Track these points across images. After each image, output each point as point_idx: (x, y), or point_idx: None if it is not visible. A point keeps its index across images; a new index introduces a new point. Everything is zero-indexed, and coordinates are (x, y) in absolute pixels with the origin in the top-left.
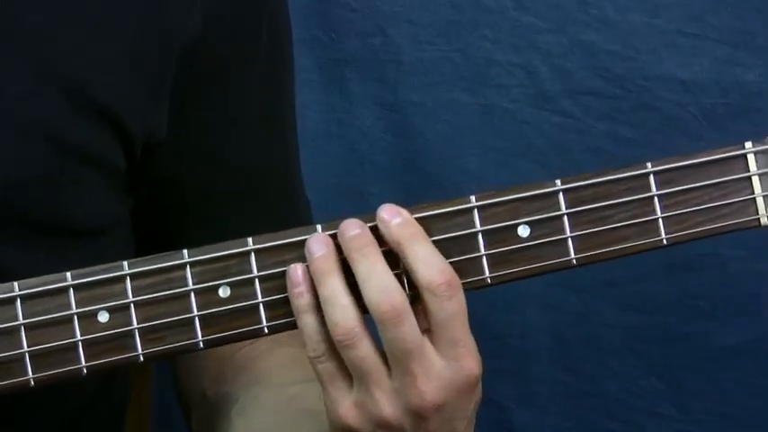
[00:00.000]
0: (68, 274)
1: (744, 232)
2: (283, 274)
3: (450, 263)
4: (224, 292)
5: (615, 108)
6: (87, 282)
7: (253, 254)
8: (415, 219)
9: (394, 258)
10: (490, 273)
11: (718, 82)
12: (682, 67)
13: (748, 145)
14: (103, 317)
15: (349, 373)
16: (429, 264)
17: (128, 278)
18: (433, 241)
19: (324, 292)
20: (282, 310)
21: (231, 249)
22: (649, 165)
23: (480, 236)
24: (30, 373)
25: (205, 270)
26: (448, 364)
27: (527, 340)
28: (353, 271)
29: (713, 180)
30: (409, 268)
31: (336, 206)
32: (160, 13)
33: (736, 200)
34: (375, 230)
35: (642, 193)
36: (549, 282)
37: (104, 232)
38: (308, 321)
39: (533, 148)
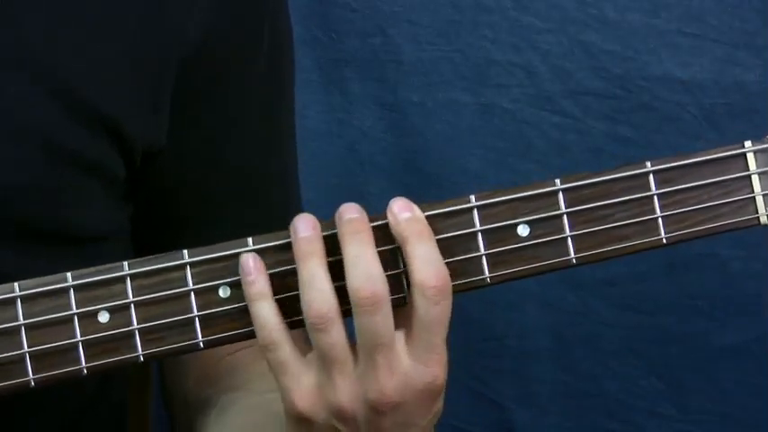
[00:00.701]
0: (69, 274)
1: (743, 232)
2: (284, 273)
3: (450, 262)
4: (224, 293)
5: (615, 108)
6: (87, 282)
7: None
8: None
9: (393, 258)
10: (490, 272)
11: (718, 82)
12: (682, 67)
13: (748, 144)
14: (104, 317)
15: (301, 362)
16: (428, 264)
17: (128, 278)
18: None
19: (304, 273)
20: (283, 310)
21: (231, 249)
22: (649, 164)
23: (480, 235)
24: (30, 373)
25: (205, 270)
26: (415, 366)
27: (527, 340)
28: (342, 252)
29: (713, 179)
30: (408, 263)
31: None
32: (160, 18)
33: (736, 199)
34: (378, 231)
35: (642, 193)
36: (548, 281)
37: (104, 239)
38: (259, 310)
39: (533, 148)
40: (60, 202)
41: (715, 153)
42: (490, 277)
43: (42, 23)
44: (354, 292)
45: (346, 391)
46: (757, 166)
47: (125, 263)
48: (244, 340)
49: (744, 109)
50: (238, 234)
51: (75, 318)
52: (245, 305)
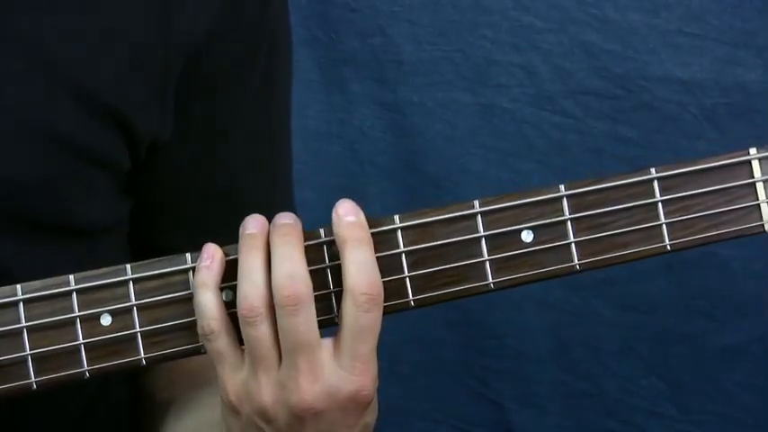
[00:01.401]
0: (71, 277)
1: None
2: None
3: (453, 268)
4: (226, 297)
5: (615, 108)
6: (90, 285)
7: None
8: (419, 224)
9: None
10: (493, 278)
11: (718, 82)
12: (682, 67)
13: (753, 151)
14: (106, 320)
15: (238, 354)
16: (361, 271)
17: (130, 282)
18: (437, 246)
19: (242, 264)
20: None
21: (233, 255)
22: (653, 170)
23: (483, 241)
24: (32, 376)
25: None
26: (339, 373)
27: (527, 340)
28: (272, 254)
29: (717, 186)
30: (343, 269)
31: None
32: (166, 16)
33: (741, 206)
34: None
35: (646, 199)
36: (549, 282)
37: (107, 232)
38: (202, 297)
39: (533, 147)
40: (63, 194)
41: (720, 160)
42: (493, 283)
43: (48, 17)
44: (277, 291)
45: (269, 393)
46: (762, 174)
47: (128, 266)
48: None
49: (744, 109)
50: (232, 233)
51: (78, 320)
52: None
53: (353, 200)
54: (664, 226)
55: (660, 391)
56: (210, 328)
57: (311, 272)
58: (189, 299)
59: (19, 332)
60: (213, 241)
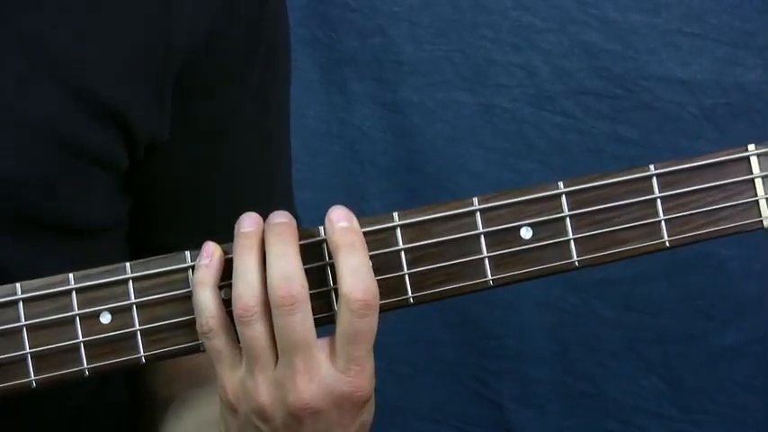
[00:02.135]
0: (71, 275)
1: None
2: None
3: (452, 265)
4: (226, 295)
5: (615, 108)
6: (90, 284)
7: None
8: (418, 221)
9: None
10: (492, 275)
11: (718, 82)
12: (682, 67)
13: (751, 147)
14: (106, 318)
15: (236, 353)
16: (356, 277)
17: (130, 280)
18: (436, 243)
19: (237, 264)
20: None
21: (233, 252)
22: (652, 167)
23: (482, 238)
24: (32, 374)
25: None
26: (335, 375)
27: (527, 340)
28: (267, 253)
29: (716, 182)
30: (337, 274)
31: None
32: (165, 16)
33: (739, 202)
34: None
35: (645, 196)
36: (548, 282)
37: (106, 231)
38: (200, 296)
39: (533, 147)
40: (62, 193)
41: (718, 156)
42: (493, 280)
43: (48, 15)
44: (272, 291)
45: (266, 392)
46: (761, 170)
47: (127, 264)
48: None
49: (744, 109)
50: (230, 232)
51: (77, 319)
52: None
53: (353, 200)
54: (663, 222)
55: (660, 391)
56: (209, 327)
57: (310, 270)
58: (188, 297)
59: (18, 330)
60: (212, 240)
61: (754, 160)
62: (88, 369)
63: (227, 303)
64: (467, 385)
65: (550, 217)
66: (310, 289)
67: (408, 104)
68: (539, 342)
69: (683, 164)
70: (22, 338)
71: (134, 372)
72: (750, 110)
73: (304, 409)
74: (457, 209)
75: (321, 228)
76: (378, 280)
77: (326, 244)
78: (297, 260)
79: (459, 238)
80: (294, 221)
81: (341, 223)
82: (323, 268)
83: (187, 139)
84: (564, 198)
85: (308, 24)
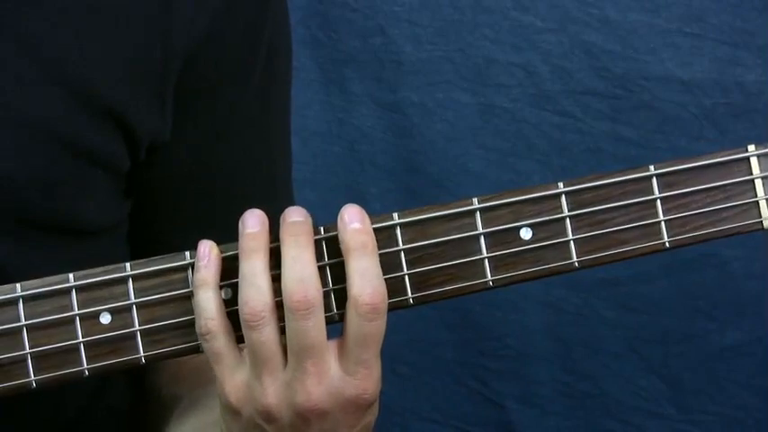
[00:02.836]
0: (71, 275)
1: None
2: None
3: (452, 265)
4: (226, 295)
5: (615, 108)
6: (89, 283)
7: None
8: (418, 221)
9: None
10: (492, 275)
11: (718, 82)
12: (682, 67)
13: (751, 148)
14: (105, 318)
15: (236, 354)
16: (365, 280)
17: (130, 280)
18: (435, 243)
19: (244, 268)
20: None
21: (232, 251)
22: (652, 167)
23: (482, 238)
24: (32, 374)
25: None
26: (344, 377)
27: (527, 340)
28: (282, 254)
29: (716, 183)
30: (347, 276)
31: (336, 206)
32: (166, 17)
33: (739, 203)
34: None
35: (645, 196)
36: (549, 282)
37: (106, 232)
38: (200, 297)
39: (533, 147)
40: (62, 193)
41: (718, 157)
42: (492, 280)
43: (49, 15)
44: (288, 295)
45: (273, 393)
46: (761, 171)
47: (127, 264)
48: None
49: (744, 109)
50: (233, 232)
51: (77, 319)
52: None
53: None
54: (662, 223)
55: (660, 391)
56: (208, 328)
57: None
58: (188, 297)
59: (18, 330)
60: (214, 240)
61: (754, 161)
62: (88, 369)
63: (227, 303)
64: (467, 385)
65: (550, 217)
66: None
67: (408, 104)
68: (539, 342)
69: (683, 164)
70: (22, 338)
71: (138, 372)
72: (750, 110)
73: (312, 410)
74: (457, 209)
75: (321, 228)
76: None
77: (325, 243)
78: (313, 263)
79: (459, 238)
80: (310, 219)
81: (354, 224)
82: (322, 268)
83: (188, 139)
84: (564, 198)
85: (308, 24)
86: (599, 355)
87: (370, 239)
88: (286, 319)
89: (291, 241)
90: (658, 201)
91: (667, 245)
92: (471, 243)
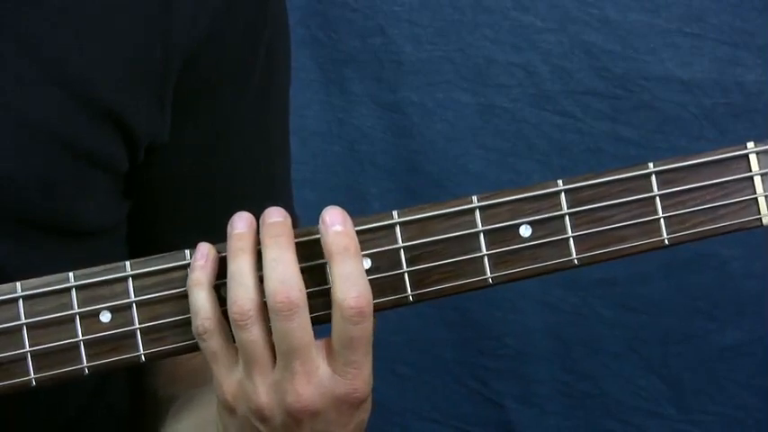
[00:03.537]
0: (71, 274)
1: (744, 232)
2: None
3: (451, 263)
4: (224, 292)
5: (615, 108)
6: (89, 282)
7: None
8: (418, 219)
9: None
10: (492, 273)
11: (718, 82)
12: (682, 67)
13: (750, 145)
14: (105, 317)
15: (232, 354)
16: (349, 284)
17: (130, 278)
18: (435, 241)
19: (232, 267)
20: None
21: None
22: (651, 165)
23: (482, 236)
24: (31, 373)
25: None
26: (333, 377)
27: (527, 340)
28: (263, 256)
29: (715, 180)
30: (331, 280)
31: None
32: (165, 17)
33: (738, 200)
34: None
35: (644, 194)
36: (549, 282)
37: (105, 232)
38: (196, 297)
39: (533, 147)
40: (61, 194)
41: (717, 154)
42: (492, 278)
43: (50, 17)
44: (271, 297)
45: (264, 393)
46: (760, 168)
47: (127, 263)
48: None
49: (744, 109)
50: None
51: (77, 317)
52: None
53: (353, 200)
54: (662, 220)
55: (660, 391)
56: (204, 328)
57: (309, 268)
58: (187, 295)
59: (18, 329)
60: (213, 241)
61: (753, 158)
62: (88, 367)
63: (223, 302)
64: (467, 385)
65: (549, 215)
66: (308, 288)
67: (408, 104)
68: (539, 342)
69: (682, 161)
70: (22, 337)
71: (135, 373)
72: (750, 110)
73: (302, 410)
74: (456, 207)
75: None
76: (377, 278)
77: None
78: (294, 264)
79: (459, 236)
80: (289, 219)
81: (335, 227)
82: (322, 267)
83: (188, 139)
84: (563, 196)
85: (308, 24)
86: (599, 355)
87: (352, 242)
88: (271, 320)
89: (272, 243)
90: (657, 198)
91: (667, 242)
92: (471, 241)
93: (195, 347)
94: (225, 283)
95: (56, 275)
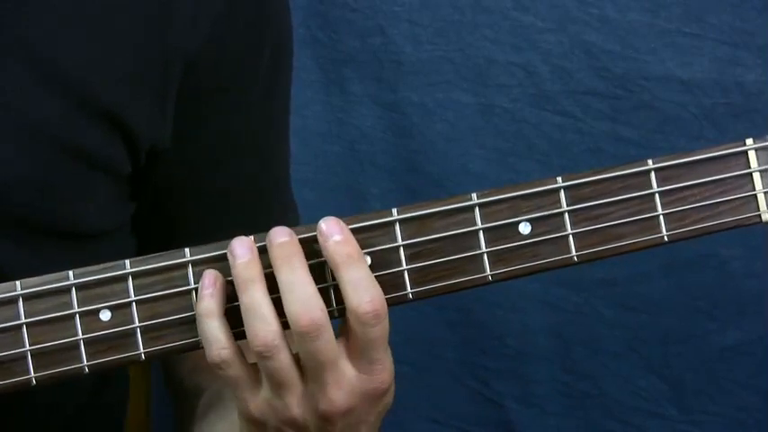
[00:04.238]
0: (70, 272)
1: (743, 231)
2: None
3: (451, 260)
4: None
5: (615, 108)
6: (89, 281)
7: None
8: (417, 217)
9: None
10: (491, 270)
11: (718, 82)
12: (682, 67)
13: (749, 141)
14: (105, 315)
15: (254, 376)
16: (360, 290)
17: (129, 277)
18: (434, 239)
19: (245, 299)
20: (279, 309)
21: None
22: (650, 162)
23: (481, 233)
24: (31, 371)
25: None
26: (359, 375)
27: (527, 340)
28: (277, 279)
29: (714, 177)
30: (341, 288)
31: (336, 206)
32: (166, 21)
33: (737, 196)
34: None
35: (643, 190)
36: (548, 281)
37: (106, 236)
38: (208, 327)
39: (533, 148)
40: (62, 197)
41: (716, 151)
42: (491, 275)
43: (49, 20)
44: (294, 321)
45: (296, 406)
46: (759, 164)
47: (127, 261)
48: (244, 338)
49: (744, 109)
50: (235, 234)
51: (77, 316)
52: None
53: (353, 200)
54: (661, 217)
55: (660, 391)
56: (221, 358)
57: (309, 267)
58: (188, 293)
59: (18, 328)
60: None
61: (752, 154)
62: (88, 366)
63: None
64: (467, 385)
65: (549, 212)
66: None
67: (408, 104)
68: (539, 342)
69: (681, 158)
70: (22, 336)
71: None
72: (750, 110)
73: (335, 413)
74: (456, 204)
75: None
76: (377, 276)
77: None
78: (311, 284)
79: (458, 233)
80: (295, 237)
81: (334, 237)
82: (321, 264)
83: (190, 142)
84: (562, 193)
85: (308, 24)
86: (599, 355)
87: (354, 248)
88: (297, 343)
89: (285, 266)
90: (657, 195)
91: (666, 239)
92: (470, 238)
93: (196, 345)
94: (235, 307)
95: (55, 274)
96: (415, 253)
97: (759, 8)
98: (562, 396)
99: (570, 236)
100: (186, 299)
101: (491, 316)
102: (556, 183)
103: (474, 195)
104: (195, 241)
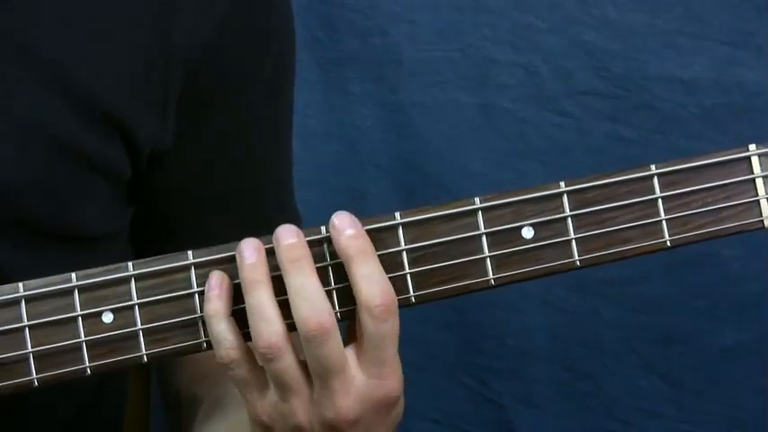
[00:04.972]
0: (73, 275)
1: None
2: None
3: (454, 264)
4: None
5: (615, 108)
6: (92, 283)
7: None
8: (420, 221)
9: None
10: (494, 274)
11: (718, 82)
12: (682, 68)
13: (752, 147)
14: (108, 317)
15: (262, 377)
16: (372, 283)
17: (132, 279)
18: (438, 243)
19: (251, 301)
20: (285, 311)
21: (234, 251)
22: (653, 167)
23: (484, 237)
24: (33, 373)
25: (209, 271)
26: (368, 381)
27: (527, 340)
28: (285, 282)
29: (717, 182)
30: (352, 282)
31: (336, 206)
32: (168, 25)
33: (740, 202)
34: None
35: (646, 195)
36: (548, 281)
37: (107, 238)
38: (216, 328)
39: (533, 147)
40: (63, 199)
41: (719, 156)
42: (494, 279)
43: (50, 21)
44: (302, 325)
45: (303, 413)
46: (762, 170)
47: (129, 263)
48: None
49: (744, 109)
50: (238, 235)
51: (80, 318)
52: None
53: (353, 200)
54: (664, 222)
55: (660, 391)
56: (230, 358)
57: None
58: (190, 296)
59: (20, 330)
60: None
61: (755, 160)
62: (90, 368)
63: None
64: (467, 385)
65: (552, 217)
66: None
67: (408, 104)
68: (539, 342)
69: (684, 164)
70: (24, 338)
71: (157, 373)
72: (750, 110)
73: (342, 422)
74: (459, 208)
75: (323, 227)
76: None
77: (326, 243)
78: (319, 287)
79: (461, 238)
80: (303, 238)
81: (347, 231)
82: (325, 269)
83: (194, 146)
84: (565, 198)
85: (309, 24)
86: (599, 355)
87: (367, 243)
88: (304, 348)
89: (293, 268)
90: (659, 200)
91: (669, 244)
92: (473, 242)
93: (198, 348)
94: (242, 309)
95: (58, 276)
96: (417, 257)
97: (759, 8)
98: (562, 396)
99: (573, 240)
100: (189, 301)
101: (491, 316)
102: (559, 187)
103: (477, 200)
104: (192, 245)
